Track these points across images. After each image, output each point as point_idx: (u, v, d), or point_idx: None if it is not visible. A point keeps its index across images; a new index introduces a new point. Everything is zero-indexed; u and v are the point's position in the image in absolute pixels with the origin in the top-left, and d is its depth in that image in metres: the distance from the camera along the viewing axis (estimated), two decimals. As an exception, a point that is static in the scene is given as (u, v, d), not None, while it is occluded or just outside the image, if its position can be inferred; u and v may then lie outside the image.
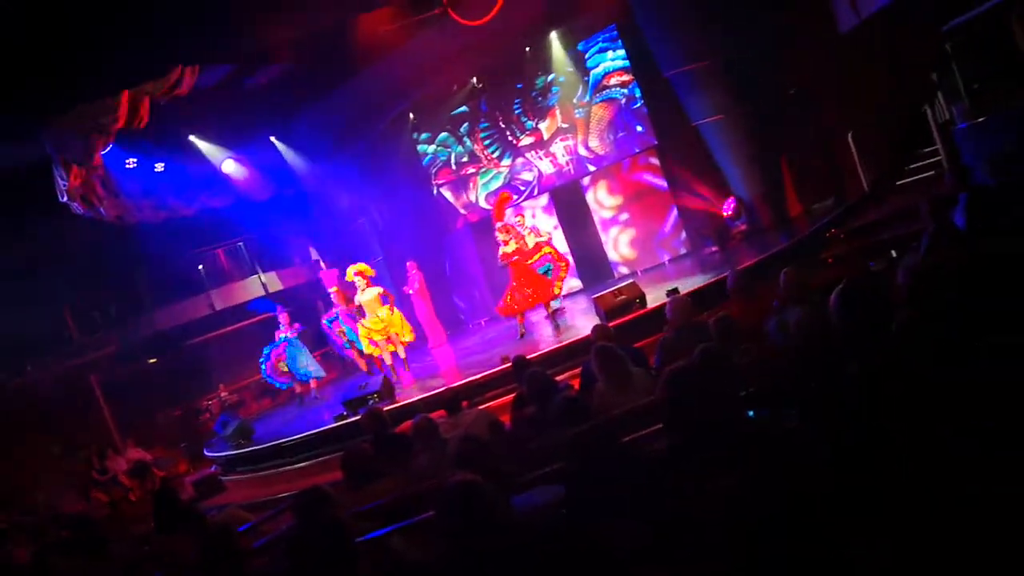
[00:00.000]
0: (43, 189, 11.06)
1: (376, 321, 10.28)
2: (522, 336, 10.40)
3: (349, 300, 11.40)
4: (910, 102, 9.93)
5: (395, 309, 10.61)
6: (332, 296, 11.88)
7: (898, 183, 10.40)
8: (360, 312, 10.48)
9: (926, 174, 9.91)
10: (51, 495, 13.24)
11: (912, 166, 10.29)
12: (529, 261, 10.29)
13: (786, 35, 11.31)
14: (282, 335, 12.41)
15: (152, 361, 16.41)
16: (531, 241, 11.35)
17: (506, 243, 10.15)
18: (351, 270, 10.43)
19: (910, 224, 7.69)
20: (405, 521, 3.33)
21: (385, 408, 7.65)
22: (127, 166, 12.84)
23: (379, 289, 10.49)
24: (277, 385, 12.96)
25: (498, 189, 14.80)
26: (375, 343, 10.38)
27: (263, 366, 12.59)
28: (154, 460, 14.95)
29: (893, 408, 2.03)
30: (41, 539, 5.86)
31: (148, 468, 14.66)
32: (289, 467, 9.28)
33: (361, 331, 10.47)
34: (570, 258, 11.93)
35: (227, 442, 10.91)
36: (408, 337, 10.61)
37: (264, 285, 16.35)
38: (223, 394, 16.02)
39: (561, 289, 10.80)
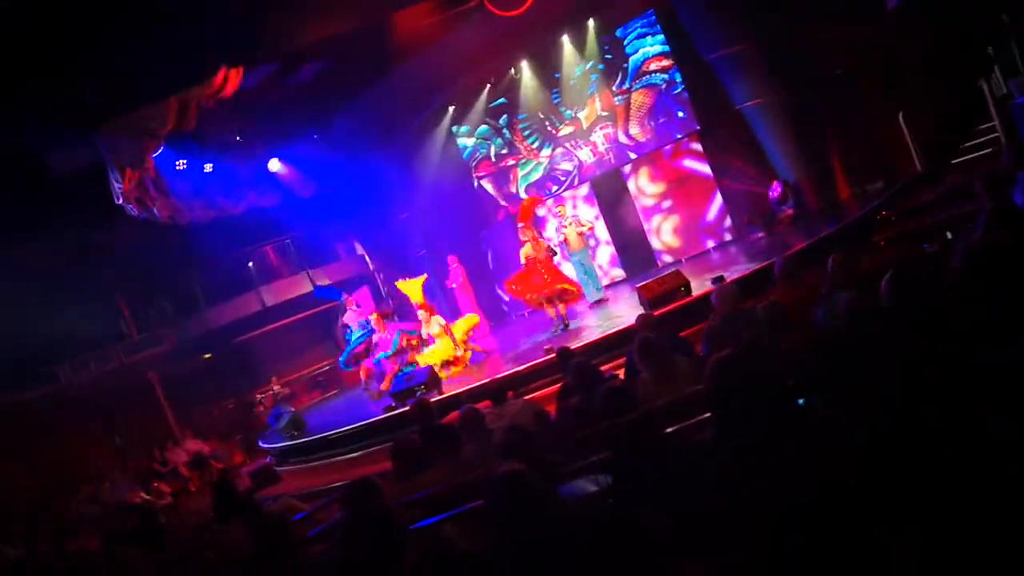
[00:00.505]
0: (100, 192, 11.46)
1: (448, 345, 10.37)
2: (566, 327, 10.34)
3: (386, 324, 11.18)
4: (964, 77, 9.58)
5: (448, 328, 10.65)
6: (372, 323, 11.17)
7: (953, 162, 10.05)
8: (428, 341, 10.49)
9: (982, 152, 9.55)
10: (115, 486, 13.75)
11: (967, 144, 9.93)
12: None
13: (830, 12, 10.99)
14: (359, 322, 11.52)
15: (207, 357, 16.90)
16: (573, 232, 11.33)
17: (523, 243, 10.29)
18: (411, 290, 10.53)
19: (966, 204, 7.44)
20: (454, 510, 3.38)
21: (432, 399, 7.75)
22: (177, 168, 13.20)
23: (442, 320, 10.64)
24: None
25: (539, 180, 14.81)
26: (448, 365, 10.34)
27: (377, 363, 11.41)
28: (212, 452, 15.43)
29: (939, 391, 1.98)
30: (107, 529, 6.11)
31: (206, 460, 15.14)
32: (340, 457, 9.45)
33: (432, 359, 10.25)
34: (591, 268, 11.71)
35: (280, 434, 11.18)
36: (466, 327, 10.68)
37: (312, 281, 16.66)
38: (276, 387, 16.41)
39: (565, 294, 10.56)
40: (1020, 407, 1.89)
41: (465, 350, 10.50)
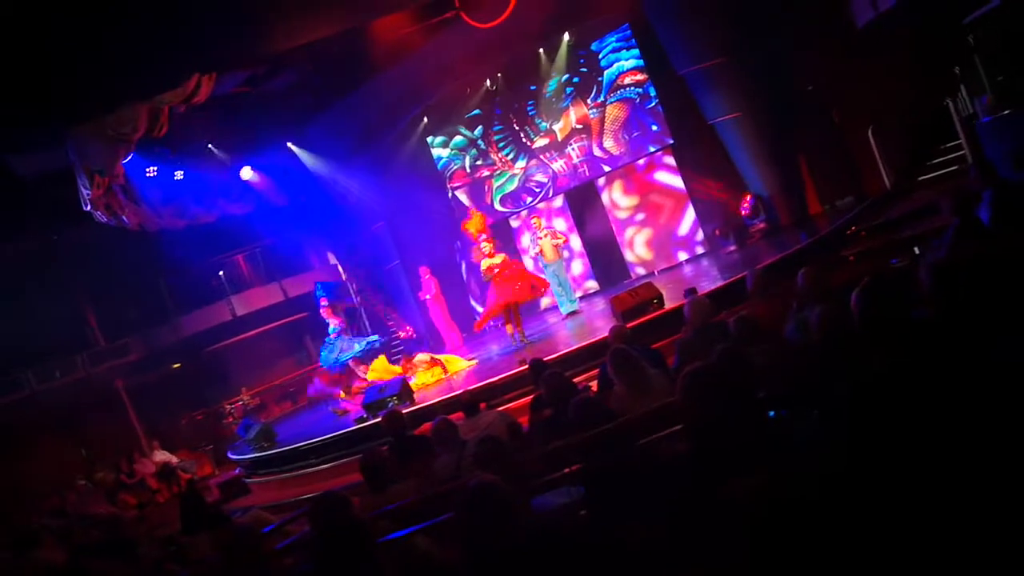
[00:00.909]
0: (68, 197, 11.25)
1: (435, 373, 10.50)
2: (524, 342, 10.39)
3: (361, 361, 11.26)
4: (931, 96, 9.81)
5: (436, 360, 10.74)
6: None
7: (920, 179, 10.28)
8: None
9: (949, 169, 9.79)
10: (80, 498, 13.45)
11: (934, 161, 10.17)
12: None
13: (802, 31, 11.22)
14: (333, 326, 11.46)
15: (176, 366, 16.64)
16: (548, 244, 11.36)
17: (481, 257, 10.37)
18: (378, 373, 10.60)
19: (933, 220, 7.60)
20: (426, 522, 3.35)
21: (404, 410, 7.70)
22: (148, 174, 13.02)
23: (426, 356, 10.79)
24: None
25: (514, 191, 14.85)
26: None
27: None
28: (180, 463, 15.17)
29: (908, 404, 2.01)
30: (71, 541, 5.95)
31: (174, 471, 14.88)
32: (312, 469, 9.34)
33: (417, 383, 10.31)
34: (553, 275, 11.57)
35: (250, 445, 11.02)
36: (460, 368, 10.67)
37: (284, 290, 16.51)
38: (245, 398, 16.18)
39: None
40: (988, 418, 1.92)
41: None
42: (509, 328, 10.52)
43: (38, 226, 13.47)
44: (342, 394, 11.12)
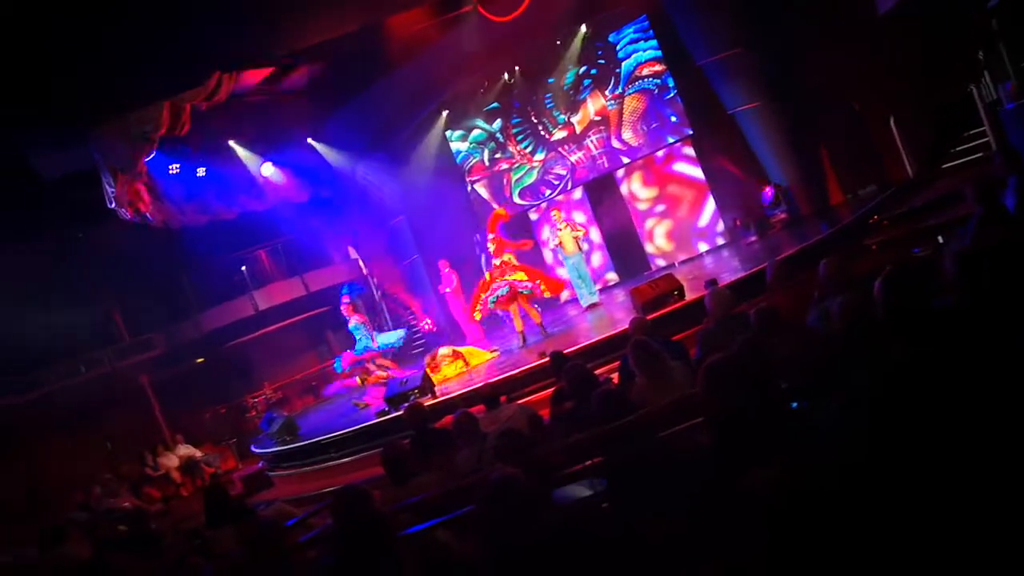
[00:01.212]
0: (92, 196, 11.42)
1: (457, 366, 10.58)
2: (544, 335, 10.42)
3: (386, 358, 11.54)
4: (955, 83, 9.65)
5: (458, 353, 10.82)
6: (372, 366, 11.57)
7: (944, 166, 10.12)
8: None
9: (973, 156, 9.62)
10: (105, 492, 13.66)
11: (958, 149, 10.00)
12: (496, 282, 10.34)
13: (822, 19, 11.07)
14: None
15: (199, 361, 16.83)
16: (568, 236, 11.35)
17: (495, 255, 10.33)
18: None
19: (957, 208, 7.48)
20: (447, 515, 3.37)
21: (425, 403, 7.74)
22: (170, 172, 13.17)
23: (448, 349, 10.85)
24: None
25: (533, 184, 14.82)
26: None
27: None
28: (204, 456, 15.36)
29: (933, 394, 1.99)
30: (97, 535, 6.07)
31: (198, 465, 15.07)
32: (334, 462, 9.42)
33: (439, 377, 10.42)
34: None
35: (273, 439, 11.13)
36: (481, 359, 10.74)
37: (306, 285, 16.62)
38: (268, 392, 16.35)
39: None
40: (1014, 409, 1.90)
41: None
42: (518, 324, 10.48)
43: (63, 225, 13.68)
44: (359, 381, 11.20)
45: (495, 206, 15.25)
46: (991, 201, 4.66)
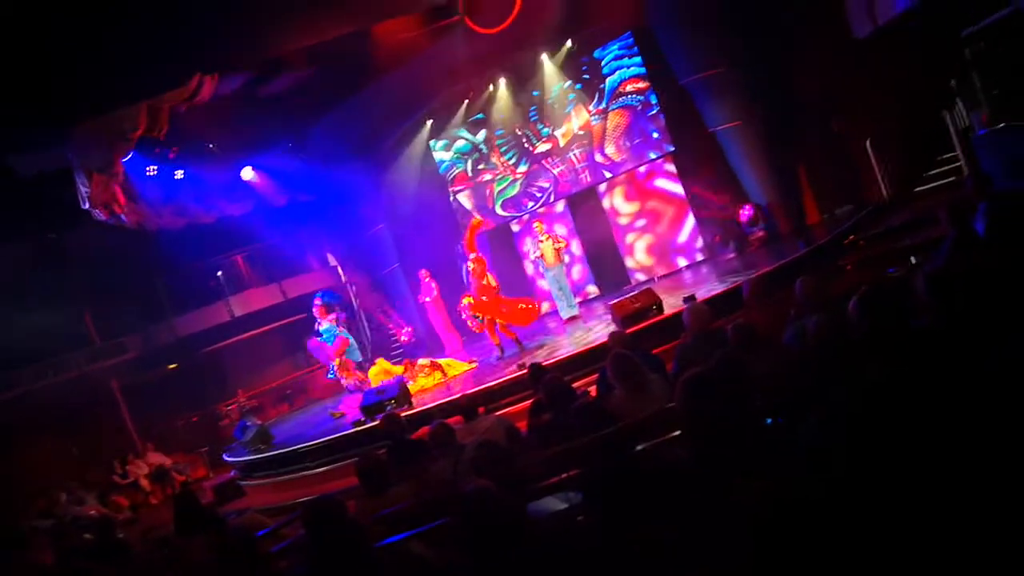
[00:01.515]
0: (66, 197, 11.24)
1: (434, 377, 10.56)
2: (502, 355, 10.46)
3: (353, 369, 11.36)
4: (929, 108, 9.86)
5: (436, 365, 10.82)
6: (334, 367, 11.39)
7: (917, 189, 10.32)
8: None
9: (946, 180, 9.83)
10: (71, 499, 13.38)
11: (931, 172, 10.21)
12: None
13: (802, 42, 11.27)
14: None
15: (172, 367, 16.59)
16: (549, 248, 11.39)
17: (476, 274, 10.26)
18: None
19: (930, 230, 7.63)
20: (422, 527, 3.35)
21: (402, 413, 7.69)
22: (148, 173, 13.02)
23: (426, 361, 10.87)
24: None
25: (516, 196, 14.87)
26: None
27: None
28: (174, 465, 15.12)
29: (906, 412, 2.02)
30: (62, 542, 5.93)
31: (168, 472, 14.82)
32: (308, 472, 9.32)
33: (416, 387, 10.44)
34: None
35: (246, 447, 10.99)
36: (460, 370, 10.72)
37: (283, 292, 16.49)
38: (242, 399, 16.14)
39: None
40: (986, 426, 1.93)
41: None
42: (495, 338, 10.45)
43: (36, 225, 13.46)
44: (336, 361, 11.06)
45: (476, 216, 15.29)
46: (963, 225, 4.76)
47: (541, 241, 11.50)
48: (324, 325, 11.39)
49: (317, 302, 11.62)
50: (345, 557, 2.68)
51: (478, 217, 11.39)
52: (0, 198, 11.87)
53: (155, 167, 13.09)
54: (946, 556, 1.73)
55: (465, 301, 10.35)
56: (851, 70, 10.85)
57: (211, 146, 13.94)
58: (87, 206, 10.98)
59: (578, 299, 13.11)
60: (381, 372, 10.95)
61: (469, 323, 10.43)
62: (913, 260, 7.56)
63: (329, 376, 11.61)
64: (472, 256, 10.44)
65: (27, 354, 14.44)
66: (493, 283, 10.26)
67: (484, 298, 10.12)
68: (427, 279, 12.81)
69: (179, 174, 13.61)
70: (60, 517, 12.49)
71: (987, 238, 4.48)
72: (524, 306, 10.45)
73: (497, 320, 10.20)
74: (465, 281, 10.68)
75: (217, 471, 14.20)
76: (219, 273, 16.50)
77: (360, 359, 11.52)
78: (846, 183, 11.63)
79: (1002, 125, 7.76)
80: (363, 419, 9.01)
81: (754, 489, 1.98)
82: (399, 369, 10.90)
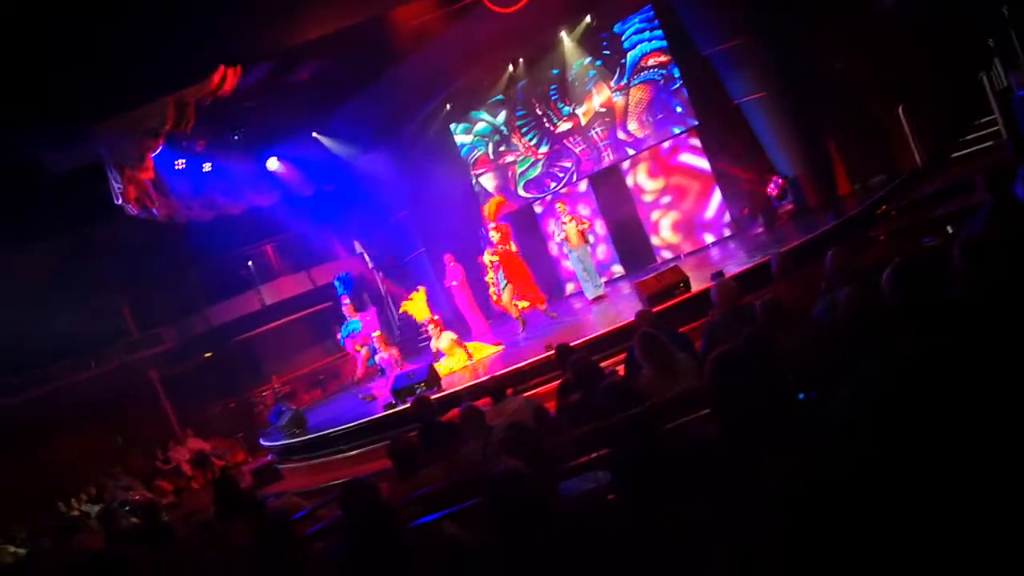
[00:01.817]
0: (99, 192, 11.46)
1: (460, 358, 10.50)
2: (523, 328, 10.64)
3: (390, 343, 11.64)
4: (965, 70, 9.57)
5: (463, 344, 10.80)
6: (375, 340, 11.56)
7: (953, 155, 10.04)
8: (437, 356, 10.72)
9: (983, 145, 9.55)
10: (117, 485, 13.79)
11: (968, 137, 9.92)
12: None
13: (828, 6, 10.98)
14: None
15: (207, 355, 16.93)
16: (573, 229, 11.33)
17: (495, 244, 10.37)
18: (415, 310, 10.81)
19: (967, 198, 7.43)
20: (453, 508, 3.38)
21: (432, 396, 7.75)
22: (176, 167, 13.20)
23: (453, 335, 10.75)
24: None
25: (538, 177, 14.79)
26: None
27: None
28: (213, 450, 15.47)
29: (945, 388, 1.98)
30: (110, 527, 6.11)
31: (208, 458, 15.18)
32: (343, 455, 9.46)
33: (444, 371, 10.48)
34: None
35: (282, 432, 11.19)
36: (486, 353, 10.70)
37: (312, 279, 16.67)
38: (276, 385, 16.43)
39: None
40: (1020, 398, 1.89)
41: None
42: (514, 311, 10.57)
43: (71, 221, 13.75)
44: (376, 333, 11.26)
45: (497, 195, 15.26)
46: (1001, 190, 4.63)
47: (565, 223, 11.45)
48: (356, 320, 11.66)
49: (345, 301, 11.93)
50: (379, 537, 2.73)
51: (499, 196, 11.38)
52: (34, 196, 12.15)
53: (183, 161, 13.27)
54: (977, 532, 1.70)
55: (486, 259, 10.45)
56: (882, 34, 10.55)
57: (236, 138, 14.08)
58: (119, 201, 11.19)
59: (603, 279, 13.05)
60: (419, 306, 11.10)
61: (491, 288, 10.41)
62: (949, 229, 7.37)
63: (371, 363, 11.68)
64: (492, 225, 10.46)
65: (69, 348, 14.86)
66: (514, 248, 10.38)
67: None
68: (452, 264, 12.83)
69: (207, 167, 13.79)
70: (108, 503, 12.89)
71: (1027, 203, 4.35)
72: (536, 291, 10.60)
73: (512, 287, 10.24)
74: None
75: (255, 455, 14.50)
76: (249, 263, 16.74)
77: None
78: (878, 152, 11.35)
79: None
80: (394, 402, 9.11)
81: (783, 466, 1.96)
82: (426, 312, 10.96)
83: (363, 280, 17.02)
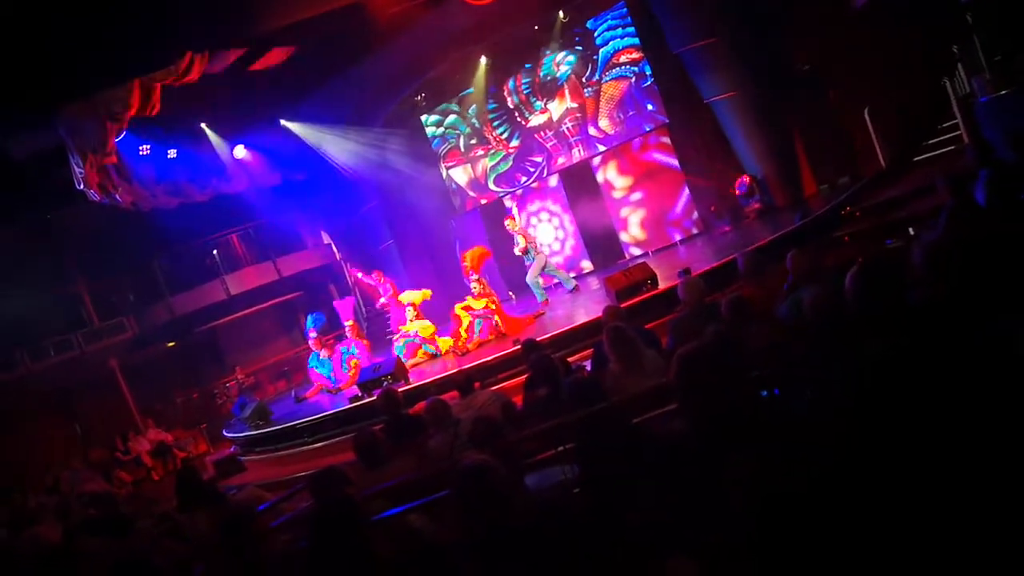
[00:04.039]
0: (60, 178, 11.17)
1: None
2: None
3: (362, 334, 11.52)
4: (929, 75, 9.77)
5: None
6: (347, 329, 11.59)
7: (916, 159, 10.26)
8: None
9: (946, 149, 9.77)
10: (75, 475, 13.49)
11: (931, 141, 10.14)
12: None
13: (799, 9, 11.14)
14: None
15: (170, 345, 16.64)
16: (521, 242, 11.21)
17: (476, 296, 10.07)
18: (411, 297, 10.61)
19: (929, 201, 7.60)
20: (419, 500, 3.37)
21: (399, 389, 7.72)
22: (141, 153, 12.93)
23: (431, 326, 10.61)
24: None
25: (508, 171, 14.76)
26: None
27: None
28: (175, 441, 15.23)
29: (910, 387, 2.02)
30: (68, 519, 5.98)
31: (169, 449, 14.94)
32: (306, 447, 9.38)
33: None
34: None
35: (245, 423, 11.07)
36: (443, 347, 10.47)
37: (278, 270, 16.47)
38: (240, 376, 16.21)
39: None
40: (984, 399, 1.93)
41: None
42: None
43: (32, 206, 13.39)
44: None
45: (471, 193, 15.22)
46: (962, 194, 4.74)
47: (516, 233, 11.35)
48: (323, 355, 11.59)
49: (312, 334, 11.75)
50: (345, 529, 2.71)
51: (483, 248, 10.98)
52: (-5, 180, 11.80)
53: (148, 146, 13.00)
54: (941, 533, 1.74)
55: (464, 308, 10.10)
56: (849, 37, 10.73)
57: (203, 125, 13.82)
58: (82, 187, 10.91)
59: (572, 274, 13.08)
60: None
61: (461, 338, 10.02)
62: (911, 231, 7.54)
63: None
64: (475, 277, 10.17)
65: (27, 335, 14.48)
66: (495, 297, 10.26)
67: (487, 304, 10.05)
68: (372, 278, 12.38)
69: (172, 153, 13.52)
70: (65, 494, 12.60)
71: (987, 207, 4.46)
72: (521, 318, 10.41)
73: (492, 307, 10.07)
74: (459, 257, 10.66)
75: (218, 446, 14.30)
76: (214, 252, 16.48)
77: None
78: (843, 154, 11.56)
79: (1004, 92, 7.69)
80: (360, 394, 9.05)
81: (748, 467, 1.99)
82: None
83: (332, 274, 16.86)
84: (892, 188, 9.62)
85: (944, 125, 9.88)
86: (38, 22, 8.18)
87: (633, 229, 13.93)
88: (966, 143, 9.07)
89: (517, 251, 11.42)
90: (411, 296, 10.90)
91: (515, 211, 11.64)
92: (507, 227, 11.63)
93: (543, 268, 11.44)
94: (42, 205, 13.55)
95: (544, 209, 14.63)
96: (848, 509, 1.83)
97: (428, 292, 11.14)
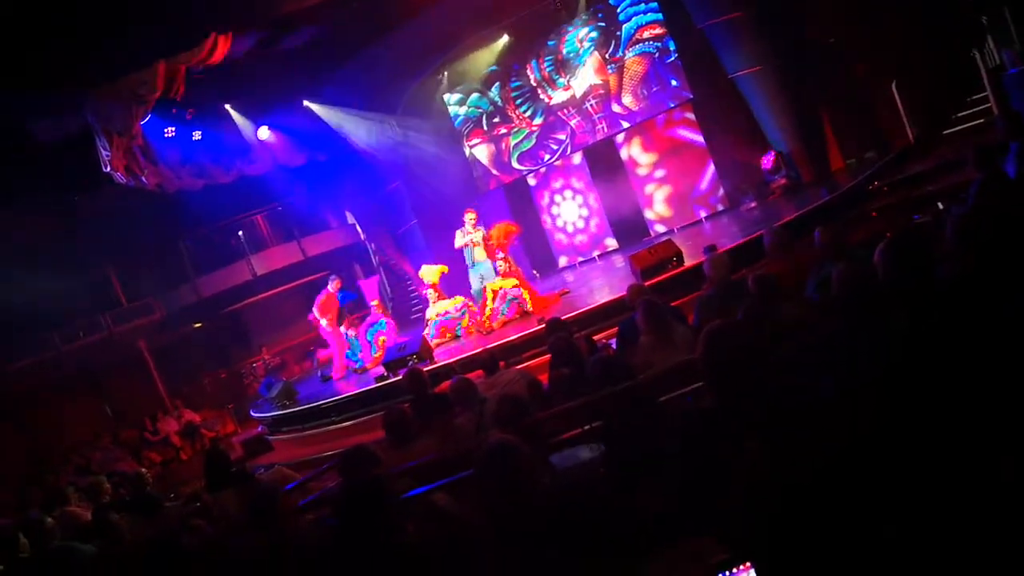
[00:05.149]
0: (88, 162, 11.30)
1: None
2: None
3: (388, 314, 11.47)
4: (957, 47, 9.51)
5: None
6: (373, 308, 11.58)
7: (945, 132, 10.04)
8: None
9: (975, 122, 9.54)
10: (105, 456, 13.80)
11: (960, 114, 9.91)
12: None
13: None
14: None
15: (197, 326, 16.86)
16: (478, 237, 10.45)
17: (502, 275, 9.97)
18: (429, 275, 10.53)
19: (958, 175, 7.44)
20: (445, 479, 3.40)
21: (424, 368, 7.76)
22: (166, 135, 13.04)
23: (460, 298, 10.54)
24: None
25: (532, 149, 14.67)
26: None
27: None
28: (203, 421, 15.48)
29: (932, 362, 1.99)
30: (98, 498, 6.12)
31: (198, 429, 15.20)
32: (333, 427, 9.49)
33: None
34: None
35: (272, 403, 11.21)
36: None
37: (303, 250, 16.59)
38: (266, 357, 16.40)
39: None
40: (1015, 376, 1.90)
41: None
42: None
43: (59, 189, 13.58)
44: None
45: (494, 172, 15.16)
46: (991, 167, 4.63)
47: (469, 232, 10.41)
48: (351, 335, 11.57)
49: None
50: (372, 508, 2.73)
51: (509, 224, 10.71)
52: (22, 164, 11.96)
53: (173, 128, 13.10)
54: (965, 512, 1.72)
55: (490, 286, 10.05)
56: (876, 10, 10.47)
57: (227, 106, 13.88)
58: (108, 169, 11.04)
59: (597, 252, 12.99)
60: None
61: (486, 313, 9.89)
62: (940, 205, 7.39)
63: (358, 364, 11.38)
64: (501, 256, 10.13)
65: (57, 317, 14.76)
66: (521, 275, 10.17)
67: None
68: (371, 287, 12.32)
69: (197, 135, 13.61)
70: (96, 473, 12.89)
71: (1018, 180, 4.36)
72: (548, 296, 10.38)
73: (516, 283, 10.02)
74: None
75: (245, 426, 14.52)
76: (240, 233, 16.62)
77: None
78: (870, 128, 11.33)
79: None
80: (386, 374, 9.11)
81: (755, 455, 1.96)
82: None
83: (357, 254, 16.93)
84: (920, 162, 9.43)
85: (973, 98, 9.64)
86: (65, 7, 8.24)
87: (658, 206, 13.81)
88: (995, 115, 8.85)
89: (464, 246, 10.53)
90: (429, 275, 10.73)
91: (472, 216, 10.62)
92: (465, 220, 10.55)
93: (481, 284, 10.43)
94: (69, 189, 13.75)
95: (568, 187, 14.56)
96: (876, 493, 1.81)
97: (445, 267, 10.83)
